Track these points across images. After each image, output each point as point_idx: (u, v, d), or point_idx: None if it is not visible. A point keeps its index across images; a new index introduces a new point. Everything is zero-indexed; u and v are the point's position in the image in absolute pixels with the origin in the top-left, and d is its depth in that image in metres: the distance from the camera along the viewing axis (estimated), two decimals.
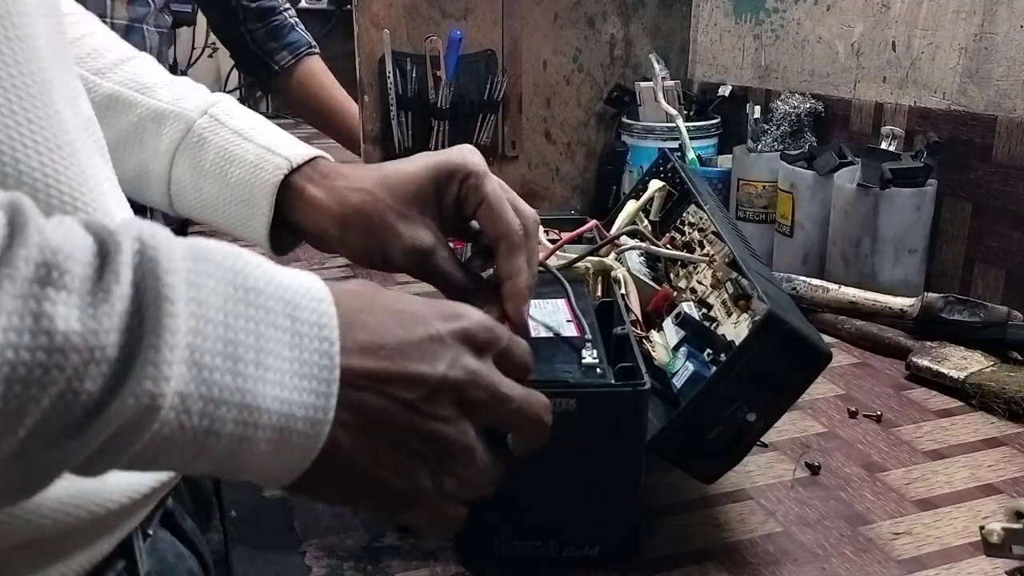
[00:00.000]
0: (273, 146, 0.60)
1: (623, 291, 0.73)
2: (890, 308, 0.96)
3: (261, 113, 2.37)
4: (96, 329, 0.30)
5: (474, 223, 0.59)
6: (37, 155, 0.39)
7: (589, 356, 0.57)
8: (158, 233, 0.33)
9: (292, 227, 0.60)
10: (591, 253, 0.74)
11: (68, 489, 0.42)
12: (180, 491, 0.59)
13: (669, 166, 0.88)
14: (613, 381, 0.55)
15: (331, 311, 0.38)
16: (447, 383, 0.40)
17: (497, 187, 0.57)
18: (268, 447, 0.35)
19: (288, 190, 0.58)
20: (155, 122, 0.62)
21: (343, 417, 0.37)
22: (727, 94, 1.42)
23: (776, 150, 1.19)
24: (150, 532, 0.52)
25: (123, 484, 0.45)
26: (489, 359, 0.43)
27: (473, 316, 0.43)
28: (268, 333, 0.35)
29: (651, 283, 0.80)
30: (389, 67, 1.30)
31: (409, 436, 0.40)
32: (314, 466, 0.37)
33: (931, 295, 0.94)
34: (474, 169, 0.57)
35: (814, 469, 0.71)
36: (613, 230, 0.80)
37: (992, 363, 0.85)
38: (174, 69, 2.57)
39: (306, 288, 0.38)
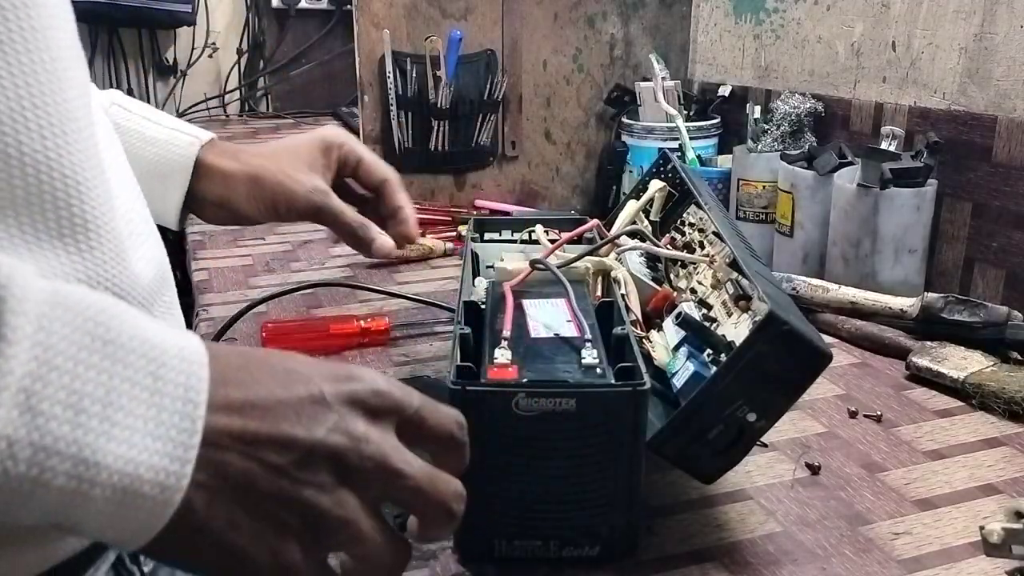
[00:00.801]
0: (179, 127, 0.69)
1: (623, 291, 0.73)
2: (890, 308, 0.96)
3: (261, 113, 2.37)
4: None
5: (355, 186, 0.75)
6: (41, 139, 0.39)
7: (589, 356, 0.58)
8: (16, 274, 0.32)
9: (197, 199, 0.69)
10: (591, 253, 0.74)
11: None
12: None
13: (669, 166, 0.88)
14: (613, 381, 0.55)
15: (202, 373, 0.35)
16: (323, 448, 0.37)
17: (367, 149, 0.74)
18: (107, 507, 0.33)
19: (199, 165, 0.68)
20: None
21: (200, 478, 0.34)
22: (727, 94, 1.42)
23: (776, 150, 1.19)
24: None
25: None
26: (389, 427, 0.39)
27: (367, 379, 0.39)
28: (122, 388, 0.33)
29: (651, 283, 0.80)
30: (389, 67, 1.31)
31: (274, 504, 0.36)
32: (165, 531, 0.34)
33: (931, 295, 0.94)
34: (347, 139, 0.73)
35: (814, 469, 0.71)
36: (613, 230, 0.80)
37: (992, 363, 0.85)
38: (174, 69, 2.57)
39: (179, 348, 0.36)
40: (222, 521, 0.35)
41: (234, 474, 0.35)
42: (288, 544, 0.37)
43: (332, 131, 0.73)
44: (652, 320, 0.77)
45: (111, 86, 1.85)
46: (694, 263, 0.79)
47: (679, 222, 0.87)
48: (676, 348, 0.67)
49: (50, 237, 0.40)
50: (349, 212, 0.71)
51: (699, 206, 0.81)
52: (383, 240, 0.72)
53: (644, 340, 0.70)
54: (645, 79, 1.42)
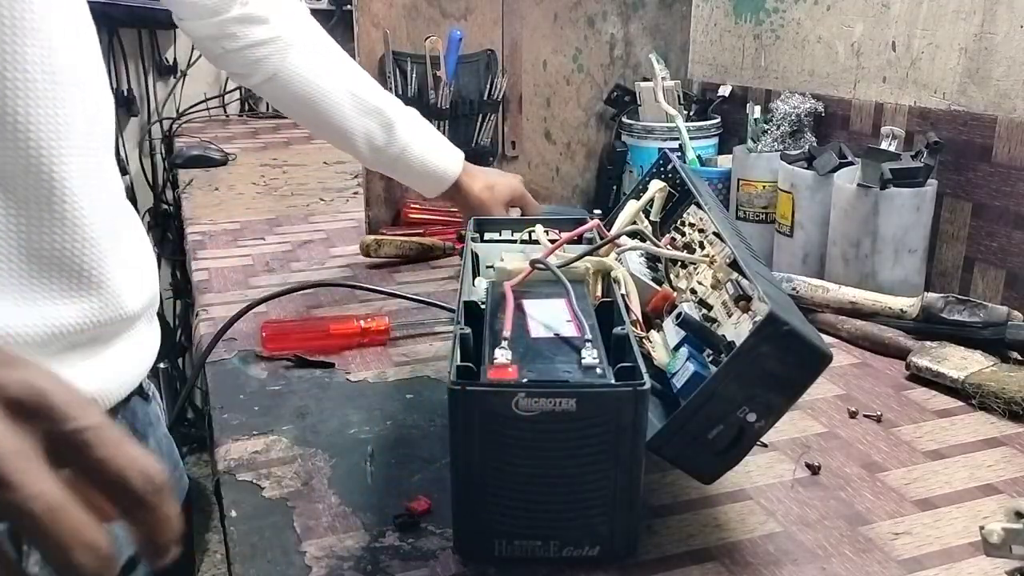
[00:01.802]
0: (443, 151, 1.10)
1: (623, 291, 0.73)
2: (890, 308, 0.96)
3: (261, 113, 2.37)
4: None
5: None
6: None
7: (589, 356, 0.57)
8: None
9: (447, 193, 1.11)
10: (591, 253, 0.74)
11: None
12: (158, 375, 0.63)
13: (670, 166, 0.88)
14: (613, 381, 0.55)
15: None
16: None
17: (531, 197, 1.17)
18: None
19: (456, 183, 1.10)
20: (374, 114, 1.05)
21: None
22: (727, 94, 1.42)
23: (776, 150, 1.19)
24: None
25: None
26: (27, 431, 0.33)
27: (28, 370, 0.34)
28: None
29: (651, 283, 0.80)
30: (389, 67, 1.30)
31: None
32: None
33: (931, 295, 0.94)
34: (524, 192, 1.16)
35: (814, 469, 0.71)
36: (613, 230, 0.80)
37: (992, 363, 0.85)
38: (174, 69, 2.57)
39: None
40: None
41: None
42: None
43: (517, 183, 1.15)
44: (652, 320, 0.77)
45: (112, 86, 1.85)
46: (694, 263, 0.79)
47: (679, 222, 0.87)
48: (676, 348, 0.67)
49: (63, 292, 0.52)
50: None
51: (699, 206, 0.81)
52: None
53: (644, 340, 0.70)
54: (645, 79, 1.42)
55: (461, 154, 1.11)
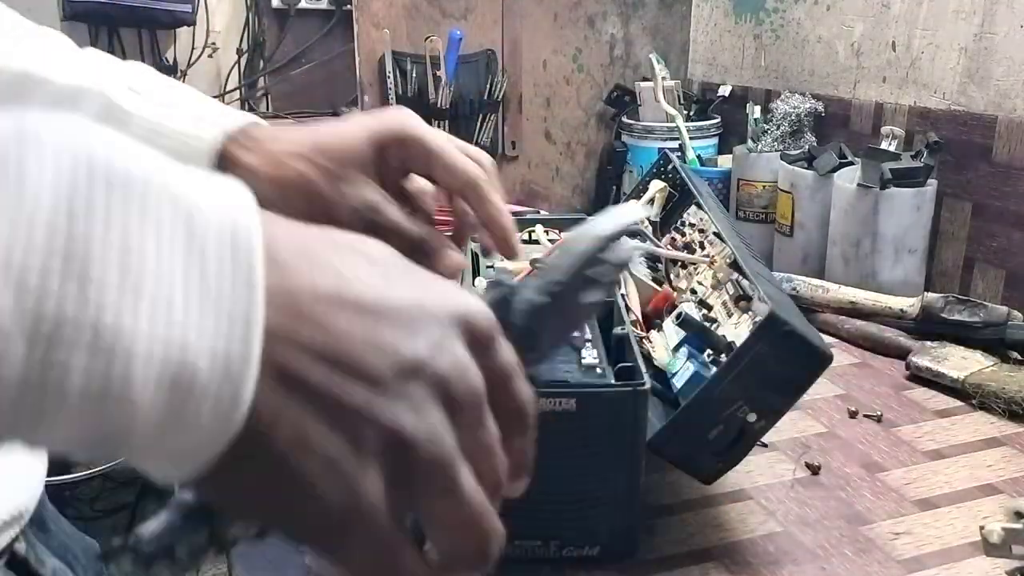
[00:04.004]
0: (203, 115, 0.54)
1: (623, 291, 0.73)
2: (890, 308, 0.96)
3: (261, 113, 2.37)
4: None
5: (414, 180, 0.58)
6: None
7: (589, 356, 0.57)
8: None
9: None
10: None
11: None
12: (31, 533, 0.54)
13: (670, 167, 0.88)
14: (613, 381, 0.55)
15: (254, 224, 0.26)
16: (429, 369, 0.28)
17: (443, 141, 0.55)
18: (154, 414, 0.23)
19: (222, 160, 0.52)
20: (71, 100, 0.53)
21: (265, 381, 0.25)
22: (727, 94, 1.43)
23: (776, 150, 1.19)
24: None
25: None
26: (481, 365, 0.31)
27: (474, 300, 0.32)
28: (146, 245, 0.23)
29: (651, 283, 0.80)
30: (389, 67, 1.30)
31: (358, 421, 0.26)
32: (231, 445, 0.25)
33: (931, 295, 0.94)
34: (410, 133, 0.54)
35: (814, 469, 0.71)
36: None
37: (992, 363, 0.85)
38: (174, 69, 2.57)
39: (217, 187, 0.26)
40: (290, 435, 0.26)
41: (309, 384, 0.26)
42: (368, 476, 0.26)
43: (394, 122, 0.54)
44: (652, 320, 0.77)
45: None
46: (694, 263, 0.79)
47: (679, 222, 0.87)
48: (676, 348, 0.67)
49: None
50: (412, 229, 0.55)
51: (699, 206, 0.81)
52: (451, 257, 0.56)
53: (644, 340, 0.70)
54: (645, 79, 1.42)
55: (229, 121, 0.55)
